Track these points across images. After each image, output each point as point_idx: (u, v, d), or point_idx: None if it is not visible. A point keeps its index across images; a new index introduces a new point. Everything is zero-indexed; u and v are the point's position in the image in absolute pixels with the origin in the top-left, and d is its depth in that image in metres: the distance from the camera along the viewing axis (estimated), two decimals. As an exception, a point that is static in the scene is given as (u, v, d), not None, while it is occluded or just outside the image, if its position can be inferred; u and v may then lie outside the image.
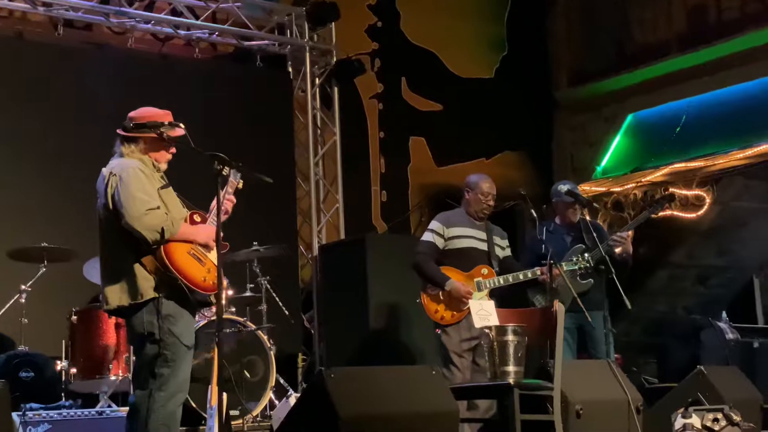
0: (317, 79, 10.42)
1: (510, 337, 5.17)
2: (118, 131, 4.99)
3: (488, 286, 6.54)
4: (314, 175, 10.28)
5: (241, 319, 7.17)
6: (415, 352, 8.36)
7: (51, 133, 8.52)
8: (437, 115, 11.39)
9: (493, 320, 5.44)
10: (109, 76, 8.91)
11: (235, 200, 5.08)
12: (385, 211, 10.99)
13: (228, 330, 6.92)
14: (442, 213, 6.91)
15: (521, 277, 6.60)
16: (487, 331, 5.27)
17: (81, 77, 8.81)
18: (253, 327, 7.21)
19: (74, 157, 8.31)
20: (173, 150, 5.08)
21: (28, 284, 7.11)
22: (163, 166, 5.04)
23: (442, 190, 10.41)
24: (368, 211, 10.90)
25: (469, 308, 6.18)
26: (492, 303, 5.72)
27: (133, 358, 5.59)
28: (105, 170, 4.89)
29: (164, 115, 5.05)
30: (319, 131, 10.43)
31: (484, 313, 5.52)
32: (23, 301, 7.08)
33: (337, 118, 10.42)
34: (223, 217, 4.92)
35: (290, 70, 10.35)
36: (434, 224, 6.76)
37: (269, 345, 7.19)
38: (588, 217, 7.11)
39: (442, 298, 6.51)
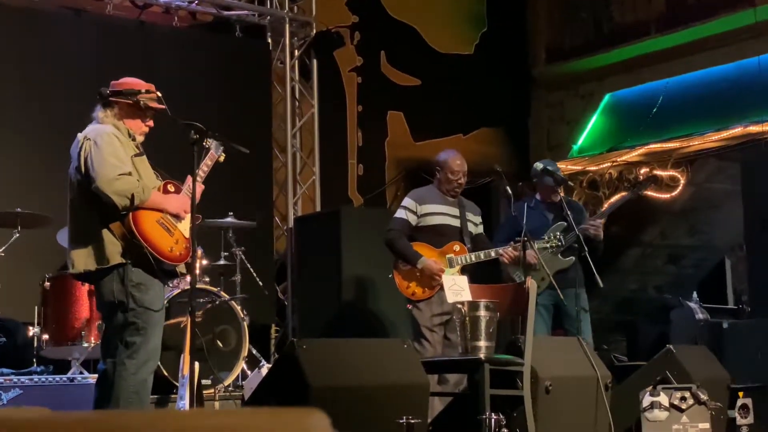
0: (296, 51, 10.37)
1: (482, 313, 5.19)
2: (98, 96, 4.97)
3: (460, 262, 6.56)
4: (291, 147, 10.25)
5: (214, 289, 7.16)
6: (387, 324, 8.38)
7: (27, 98, 8.44)
8: (416, 90, 11.37)
9: (466, 295, 5.46)
10: (86, 42, 8.83)
11: (207, 170, 5.07)
12: (361, 184, 10.98)
13: (201, 299, 6.92)
14: (415, 190, 6.92)
15: (492, 254, 6.62)
16: (459, 306, 5.29)
17: (58, 42, 8.72)
18: (227, 297, 7.21)
19: (50, 122, 8.25)
20: (150, 123, 5.05)
21: (1, 249, 7.06)
22: (139, 138, 5.01)
23: (418, 165, 10.41)
24: (344, 184, 10.90)
25: (440, 285, 6.20)
26: (465, 278, 5.73)
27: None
28: (80, 135, 4.88)
29: (146, 86, 5.03)
30: (297, 103, 10.38)
31: (457, 288, 5.53)
32: (-5, 266, 7.04)
33: (315, 90, 10.38)
34: (198, 190, 4.90)
35: (269, 41, 10.29)
36: (407, 201, 6.76)
37: (242, 315, 7.19)
38: (562, 194, 7.15)
39: (414, 274, 6.52)
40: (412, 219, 6.67)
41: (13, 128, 8.35)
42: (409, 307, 6.59)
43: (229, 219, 7.79)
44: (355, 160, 11.00)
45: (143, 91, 4.98)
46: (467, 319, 5.20)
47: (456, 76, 11.56)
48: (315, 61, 10.38)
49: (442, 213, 6.69)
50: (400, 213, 6.75)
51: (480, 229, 6.88)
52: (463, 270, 6.54)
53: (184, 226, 4.93)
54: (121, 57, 8.63)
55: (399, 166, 11.21)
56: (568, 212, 6.82)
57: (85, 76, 8.27)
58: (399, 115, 11.29)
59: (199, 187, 4.95)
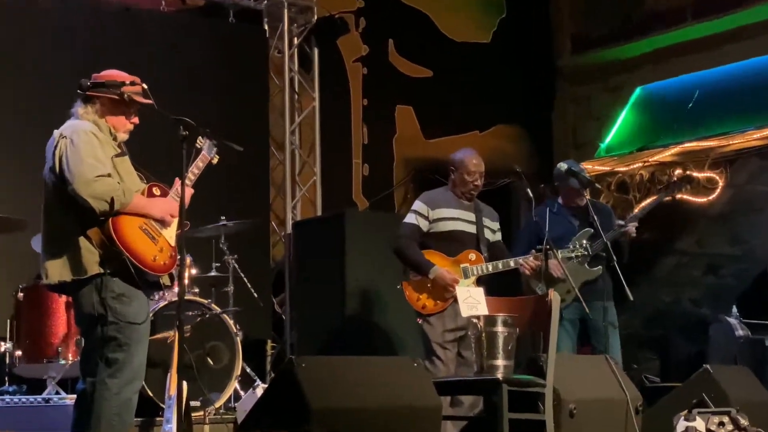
0: (296, 39, 10.38)
1: (500, 328, 5.18)
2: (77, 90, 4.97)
3: (476, 272, 6.55)
4: (290, 145, 10.26)
5: (205, 301, 7.17)
6: (395, 341, 8.38)
7: (2, 91, 8.44)
8: (427, 82, 11.37)
9: (482, 309, 5.45)
10: (67, 29, 8.82)
11: (198, 173, 5.07)
12: (366, 186, 10.99)
13: (191, 312, 6.92)
14: (427, 192, 6.90)
15: (512, 264, 6.61)
16: (475, 320, 5.28)
17: (39, 30, 8.70)
18: (218, 310, 7.21)
19: (27, 118, 8.25)
20: (135, 120, 5.04)
21: (-29, 257, 7.09)
22: (123, 136, 5.00)
23: (430, 165, 10.41)
24: (348, 186, 10.90)
25: (454, 297, 6.19)
26: (481, 290, 5.72)
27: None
28: (56, 132, 4.86)
29: (130, 78, 5.01)
30: (296, 96, 10.40)
31: (472, 301, 5.52)
32: (-35, 275, 7.07)
33: (316, 82, 10.40)
34: (187, 193, 4.89)
35: (266, 27, 10.29)
36: (418, 204, 6.74)
37: (235, 330, 7.18)
38: (588, 197, 7.14)
39: (425, 285, 6.51)
40: (424, 224, 6.66)
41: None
42: (420, 321, 6.58)
43: (220, 224, 7.79)
44: (360, 159, 11.01)
45: (127, 83, 4.97)
46: (483, 335, 5.20)
47: (471, 66, 11.56)
48: (316, 50, 10.41)
49: (456, 218, 6.68)
50: (410, 218, 6.74)
51: (498, 236, 6.87)
52: (479, 281, 6.53)
53: (170, 233, 4.91)
54: (104, 45, 8.65)
55: (408, 165, 11.22)
56: (595, 217, 6.80)
57: (66, 66, 8.27)
58: (408, 110, 11.30)
59: (189, 191, 4.94)
